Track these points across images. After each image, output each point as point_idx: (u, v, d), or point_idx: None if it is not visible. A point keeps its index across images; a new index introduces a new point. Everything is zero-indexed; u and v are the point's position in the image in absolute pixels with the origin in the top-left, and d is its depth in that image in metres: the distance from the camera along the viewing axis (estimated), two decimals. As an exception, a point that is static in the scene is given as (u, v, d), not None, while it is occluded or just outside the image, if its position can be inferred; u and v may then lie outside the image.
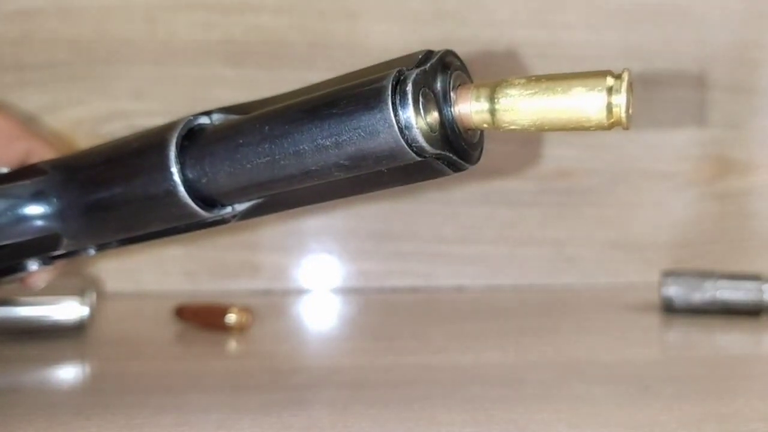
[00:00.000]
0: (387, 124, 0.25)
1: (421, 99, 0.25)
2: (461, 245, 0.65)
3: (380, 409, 0.33)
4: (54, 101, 0.60)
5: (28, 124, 0.56)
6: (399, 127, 0.25)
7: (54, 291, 0.46)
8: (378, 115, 0.25)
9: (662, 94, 0.66)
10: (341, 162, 0.27)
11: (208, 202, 0.30)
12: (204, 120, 0.31)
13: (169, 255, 0.61)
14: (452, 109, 0.26)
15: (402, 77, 0.26)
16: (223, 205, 0.31)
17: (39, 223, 0.33)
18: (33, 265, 0.38)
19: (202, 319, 0.50)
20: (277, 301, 0.60)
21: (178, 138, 0.30)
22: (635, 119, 0.71)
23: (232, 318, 0.48)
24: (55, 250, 0.34)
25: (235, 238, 0.62)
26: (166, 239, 0.59)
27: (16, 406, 0.33)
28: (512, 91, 0.25)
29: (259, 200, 0.31)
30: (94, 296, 0.47)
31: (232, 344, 0.46)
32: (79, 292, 0.46)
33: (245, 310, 0.48)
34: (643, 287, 0.58)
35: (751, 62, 0.67)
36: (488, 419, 0.31)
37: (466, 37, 0.62)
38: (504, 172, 0.65)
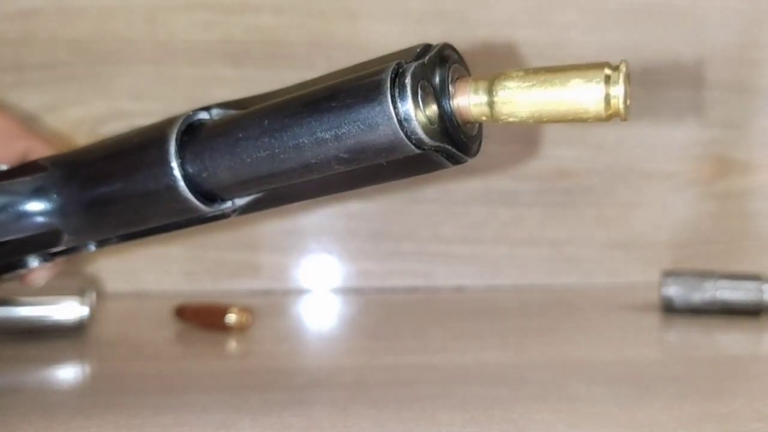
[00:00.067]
0: (386, 117, 0.25)
1: (419, 92, 0.25)
2: (461, 245, 0.65)
3: (380, 409, 0.33)
4: (54, 101, 0.60)
5: (28, 123, 0.56)
6: (398, 120, 0.25)
7: (54, 291, 0.46)
8: (377, 108, 0.25)
9: (662, 94, 0.66)
10: (341, 155, 0.27)
11: (208, 196, 0.30)
12: (203, 115, 0.31)
13: (169, 255, 0.61)
14: (451, 102, 0.27)
15: (401, 70, 0.26)
16: (223, 200, 0.31)
17: (39, 219, 0.33)
18: (33, 262, 0.38)
19: (202, 319, 0.50)
20: (277, 301, 0.60)
21: (177, 133, 0.30)
22: (635, 119, 0.71)
23: (232, 318, 0.48)
24: (55, 246, 0.34)
25: (236, 238, 0.62)
26: (166, 239, 0.60)
27: (16, 406, 0.33)
28: (510, 84, 0.26)
29: (259, 194, 0.31)
30: (93, 296, 0.47)
31: (232, 344, 0.46)
32: (79, 292, 0.46)
33: (245, 310, 0.48)
34: (643, 287, 0.58)
35: (751, 62, 0.67)
36: (488, 419, 0.31)
37: (466, 37, 0.62)
38: (504, 172, 0.65)
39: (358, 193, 0.63)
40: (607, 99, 0.24)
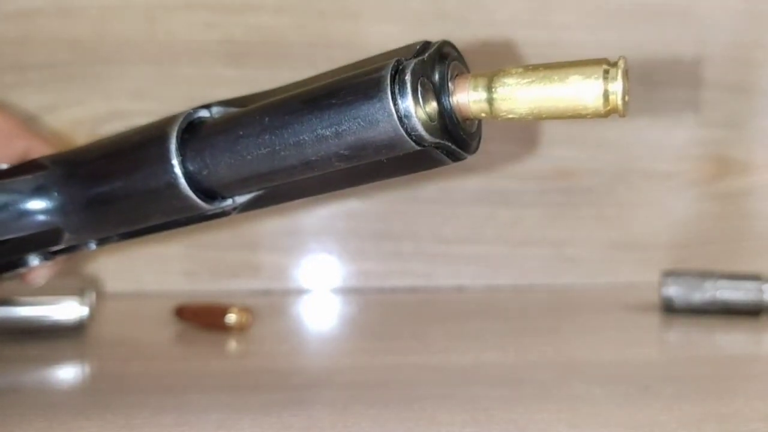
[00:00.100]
0: (386, 114, 0.25)
1: (419, 88, 0.26)
2: (461, 245, 0.65)
3: (380, 409, 0.33)
4: (54, 101, 0.60)
5: (28, 123, 0.56)
6: (398, 116, 0.25)
7: (53, 291, 0.46)
8: (377, 105, 0.25)
9: (662, 94, 0.66)
10: (341, 152, 0.27)
11: (208, 194, 0.30)
12: (204, 113, 0.31)
13: (169, 255, 0.61)
14: (450, 99, 0.27)
15: (401, 67, 0.26)
16: (224, 198, 0.31)
17: (40, 217, 0.33)
18: (34, 261, 0.38)
19: (202, 319, 0.50)
20: (277, 301, 0.60)
21: (178, 131, 0.30)
22: (635, 119, 0.71)
23: (232, 318, 0.48)
24: (56, 244, 0.34)
25: (236, 238, 0.62)
26: (166, 238, 0.60)
27: (16, 406, 0.33)
28: (509, 80, 0.26)
29: (260, 192, 0.31)
30: (93, 296, 0.47)
31: (232, 344, 0.46)
32: (79, 292, 0.46)
33: (245, 310, 0.48)
34: (643, 287, 0.58)
35: (751, 62, 0.67)
36: (488, 419, 0.31)
37: (466, 38, 0.62)
38: (504, 172, 0.65)
39: (358, 191, 0.64)
40: (606, 95, 0.25)
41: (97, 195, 0.32)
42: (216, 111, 0.31)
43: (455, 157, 0.28)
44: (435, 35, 0.28)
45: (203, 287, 0.62)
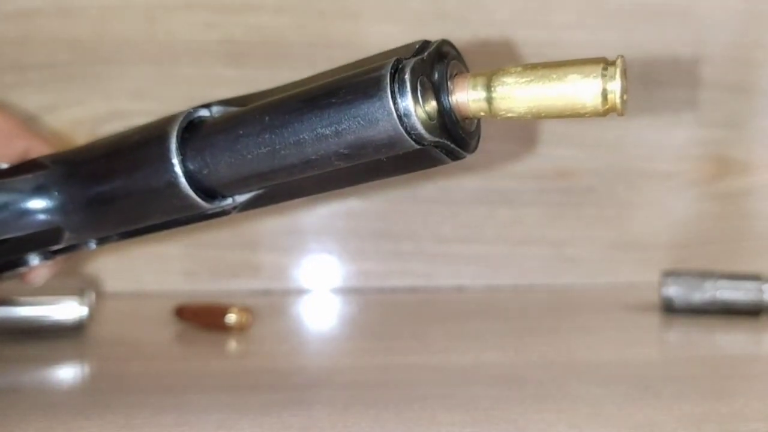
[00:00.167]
0: (386, 112, 0.25)
1: (419, 87, 0.26)
2: (461, 245, 0.65)
3: (380, 409, 0.33)
4: (54, 101, 0.60)
5: (28, 123, 0.56)
6: (398, 115, 0.25)
7: (53, 291, 0.46)
8: (377, 104, 0.26)
9: (662, 94, 0.66)
10: (341, 151, 0.27)
11: (209, 193, 0.31)
12: (204, 112, 0.31)
13: (169, 255, 0.61)
14: (450, 98, 0.27)
15: (400, 66, 0.26)
16: (224, 197, 0.31)
17: (41, 216, 0.33)
18: (34, 260, 0.38)
19: (202, 319, 0.50)
20: (277, 301, 0.60)
21: (178, 130, 0.30)
22: (635, 119, 0.71)
23: (232, 318, 0.48)
24: (56, 243, 0.34)
25: (235, 237, 0.62)
26: (166, 238, 0.60)
27: (16, 406, 0.33)
28: (508, 80, 0.26)
29: (260, 191, 0.31)
30: (93, 296, 0.47)
31: (232, 344, 0.46)
32: (78, 293, 0.46)
33: (245, 310, 0.48)
34: (643, 287, 0.58)
35: (751, 62, 0.67)
36: (488, 419, 0.31)
37: (467, 38, 0.62)
38: (504, 172, 0.65)
39: (358, 192, 0.64)
40: (604, 94, 0.25)
41: (97, 194, 0.32)
42: (216, 110, 0.31)
43: (454, 156, 0.28)
44: (435, 35, 0.28)
45: (203, 287, 0.62)
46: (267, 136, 0.28)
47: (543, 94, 0.25)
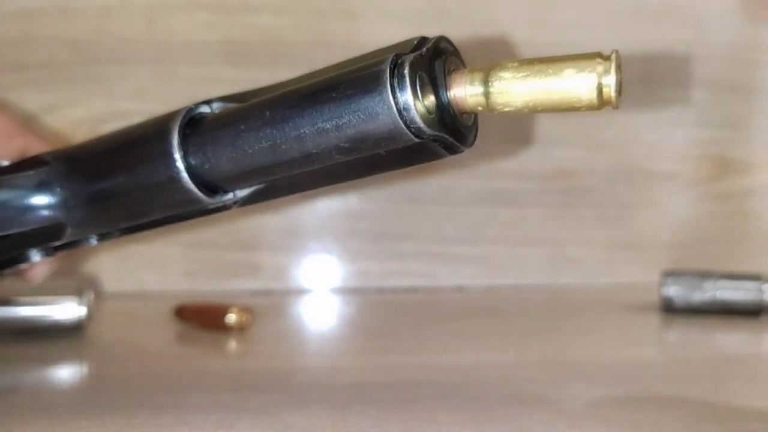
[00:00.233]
0: (386, 107, 0.26)
1: (418, 82, 0.26)
2: (461, 245, 0.65)
3: (380, 409, 0.33)
4: (54, 101, 0.60)
5: (28, 123, 0.56)
6: (397, 109, 0.26)
7: (52, 291, 0.46)
8: (377, 98, 0.26)
9: (662, 94, 0.66)
10: (341, 144, 0.27)
11: (210, 188, 0.31)
12: (204, 109, 0.32)
13: (169, 255, 0.61)
14: (448, 93, 0.27)
15: (399, 61, 0.26)
16: (225, 192, 0.32)
17: (43, 212, 0.33)
18: (35, 256, 0.38)
19: (202, 319, 0.50)
20: (277, 301, 0.60)
21: (180, 126, 0.30)
22: (635, 119, 0.70)
23: (232, 318, 0.48)
24: (58, 239, 0.34)
25: (236, 238, 0.62)
26: (166, 239, 0.59)
27: (16, 406, 0.33)
28: (505, 75, 0.26)
29: (260, 186, 0.32)
30: (92, 296, 0.47)
31: (232, 344, 0.46)
32: (77, 293, 0.46)
33: (245, 310, 0.48)
34: (643, 287, 0.58)
35: (751, 62, 0.67)
36: (488, 419, 0.31)
37: (467, 37, 0.62)
38: (504, 172, 0.65)
39: (358, 192, 0.64)
40: (600, 88, 0.25)
41: (99, 190, 0.32)
42: (216, 106, 0.32)
43: (452, 150, 0.28)
44: (435, 35, 0.28)
45: (203, 287, 0.62)
46: (268, 130, 0.28)
47: (539, 88, 0.26)
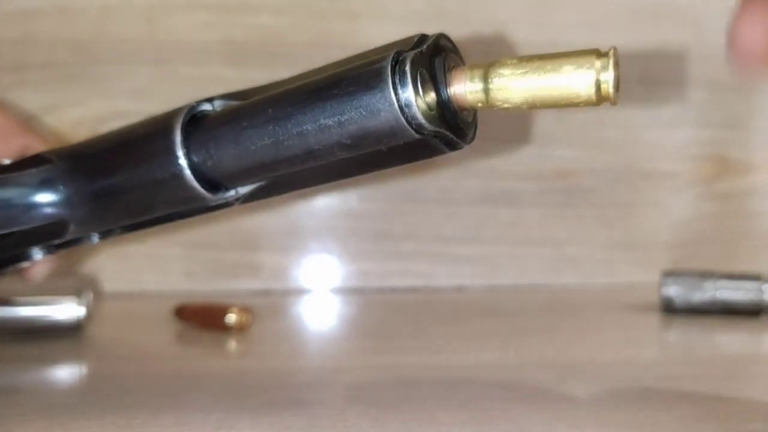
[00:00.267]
0: (388, 103, 0.26)
1: (419, 79, 0.26)
2: (461, 245, 0.65)
3: (380, 409, 0.33)
4: (54, 101, 0.60)
5: (27, 122, 0.56)
6: (399, 106, 0.26)
7: (50, 291, 0.45)
8: (379, 95, 0.26)
9: (662, 93, 0.66)
10: (344, 141, 0.27)
11: (213, 185, 0.31)
12: (206, 106, 0.32)
13: (169, 255, 0.61)
14: (448, 90, 0.27)
15: (400, 58, 0.26)
16: (227, 189, 0.32)
17: (46, 210, 0.34)
18: (37, 254, 0.38)
19: (202, 319, 0.50)
20: (277, 301, 0.60)
21: (183, 123, 0.30)
22: (635, 119, 0.70)
23: (232, 318, 0.48)
24: (61, 237, 0.35)
25: (235, 238, 0.62)
26: (166, 239, 0.59)
27: (16, 406, 0.33)
28: (505, 71, 0.27)
29: (262, 182, 0.32)
30: (90, 296, 0.47)
31: (232, 344, 0.46)
32: (76, 293, 0.46)
33: (245, 310, 0.48)
34: (643, 287, 0.58)
35: (751, 62, 0.67)
36: (488, 419, 0.31)
37: (467, 37, 0.62)
38: (504, 172, 0.65)
39: (358, 192, 0.64)
40: (598, 84, 0.25)
41: (102, 187, 0.33)
42: (218, 104, 0.32)
43: (452, 147, 0.28)
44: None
45: (203, 287, 0.62)
46: (270, 127, 0.28)
47: (538, 85, 0.26)
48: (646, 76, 0.65)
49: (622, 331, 0.50)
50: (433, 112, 0.27)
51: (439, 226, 0.64)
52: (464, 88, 0.27)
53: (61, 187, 0.33)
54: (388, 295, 0.63)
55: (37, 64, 0.60)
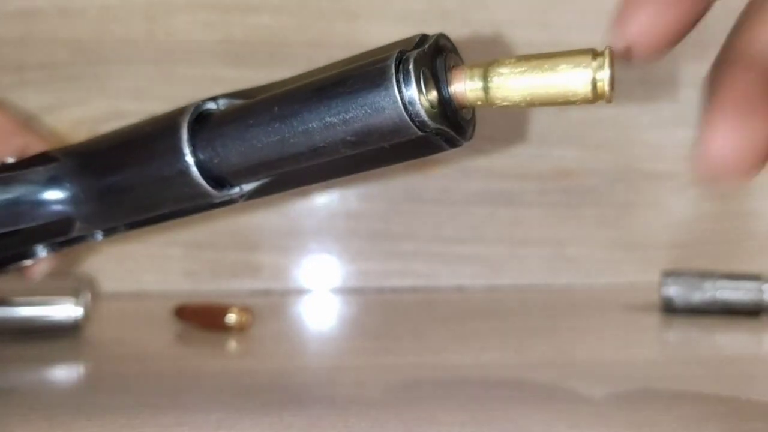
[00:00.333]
0: (392, 101, 0.27)
1: (421, 77, 0.27)
2: (461, 245, 0.65)
3: (380, 409, 0.33)
4: (54, 101, 0.60)
5: (27, 122, 0.56)
6: (403, 103, 0.27)
7: (48, 291, 0.45)
8: (383, 93, 0.27)
9: (662, 94, 0.66)
10: (348, 138, 0.28)
11: (218, 182, 0.31)
12: (211, 105, 0.32)
13: (169, 255, 0.61)
14: (448, 88, 0.28)
15: (404, 58, 0.27)
16: (232, 186, 0.32)
17: (53, 207, 0.34)
18: (42, 252, 0.38)
19: (202, 319, 0.50)
20: (277, 301, 0.60)
21: (189, 121, 0.31)
22: (635, 119, 0.71)
23: (232, 318, 0.48)
24: (67, 234, 0.35)
25: (235, 238, 0.62)
26: (166, 239, 0.59)
27: (16, 406, 0.33)
28: (503, 70, 0.27)
29: (266, 179, 0.32)
30: (88, 296, 0.47)
31: (232, 344, 0.46)
32: (73, 293, 0.46)
33: (245, 310, 0.48)
34: (643, 287, 0.58)
35: (751, 62, 0.67)
36: (488, 419, 0.31)
37: (467, 37, 0.62)
38: (504, 172, 0.65)
39: (358, 192, 0.64)
40: (594, 83, 0.26)
41: (109, 185, 0.33)
42: (222, 103, 0.32)
43: (452, 144, 0.29)
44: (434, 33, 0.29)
45: (203, 287, 0.62)
46: (276, 125, 0.29)
47: (536, 83, 0.27)
48: (646, 76, 0.65)
49: (622, 331, 0.50)
50: (435, 109, 0.27)
51: (439, 226, 0.64)
52: (464, 87, 0.28)
53: (68, 184, 0.34)
54: (388, 295, 0.63)
55: (37, 64, 0.60)
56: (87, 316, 0.46)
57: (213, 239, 0.62)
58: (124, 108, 0.60)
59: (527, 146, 0.65)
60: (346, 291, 0.63)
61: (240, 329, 0.48)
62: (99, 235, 0.37)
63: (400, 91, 0.27)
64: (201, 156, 0.31)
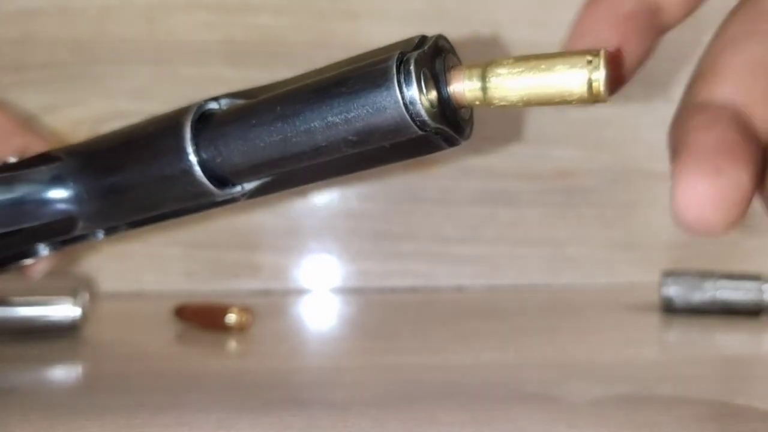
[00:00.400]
0: (393, 101, 0.27)
1: (422, 78, 0.27)
2: (461, 245, 0.65)
3: (380, 409, 0.33)
4: (54, 101, 0.60)
5: (27, 122, 0.56)
6: (404, 103, 0.27)
7: (46, 291, 0.45)
8: (385, 93, 0.27)
9: (662, 94, 0.66)
10: (350, 138, 0.28)
11: (221, 181, 0.32)
12: (213, 105, 0.32)
13: (169, 255, 0.61)
14: (448, 88, 0.28)
15: (404, 58, 0.27)
16: (234, 184, 0.32)
17: (57, 206, 0.34)
18: (44, 251, 0.39)
19: (202, 319, 0.50)
20: (277, 301, 0.60)
21: (192, 121, 0.31)
22: (635, 119, 0.71)
23: (232, 318, 0.48)
24: (69, 233, 0.35)
25: (235, 238, 0.62)
26: (166, 239, 0.59)
27: (16, 406, 0.33)
28: (501, 71, 0.28)
29: (268, 178, 0.32)
30: (86, 296, 0.47)
31: (232, 344, 0.46)
32: (72, 293, 0.46)
33: (245, 310, 0.48)
34: (643, 287, 0.58)
35: (751, 62, 0.67)
36: (488, 419, 0.31)
37: (466, 37, 0.62)
38: (504, 172, 0.65)
39: (358, 192, 0.64)
40: (590, 83, 0.26)
41: (112, 184, 0.33)
42: (224, 103, 0.33)
43: (451, 143, 0.29)
44: (433, 34, 0.29)
45: (203, 287, 0.62)
46: (279, 124, 0.29)
47: (533, 83, 0.27)
48: (645, 76, 0.65)
49: (622, 331, 0.50)
50: (435, 109, 0.28)
51: (439, 226, 0.64)
52: (463, 87, 0.28)
53: (71, 183, 0.34)
54: (388, 295, 0.63)
55: (37, 64, 0.60)
56: (85, 316, 0.46)
57: (213, 239, 0.62)
58: (124, 108, 0.60)
59: (527, 146, 0.65)
60: (346, 291, 0.63)
61: (240, 329, 0.48)
62: (100, 234, 0.38)
63: (401, 91, 0.27)
64: (204, 155, 0.31)
